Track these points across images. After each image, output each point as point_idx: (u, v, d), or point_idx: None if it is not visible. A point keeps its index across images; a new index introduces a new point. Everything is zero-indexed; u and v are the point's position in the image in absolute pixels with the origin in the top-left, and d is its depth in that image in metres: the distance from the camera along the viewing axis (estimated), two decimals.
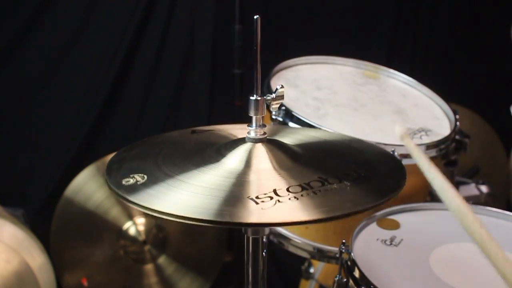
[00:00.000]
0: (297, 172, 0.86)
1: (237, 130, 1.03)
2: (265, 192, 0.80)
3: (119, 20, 2.08)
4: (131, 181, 0.83)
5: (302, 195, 0.80)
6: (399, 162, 0.98)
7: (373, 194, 0.82)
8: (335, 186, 0.83)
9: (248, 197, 0.79)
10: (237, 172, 0.85)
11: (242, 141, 0.92)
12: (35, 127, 2.15)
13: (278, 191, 0.81)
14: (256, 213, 0.76)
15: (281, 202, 0.78)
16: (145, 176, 0.84)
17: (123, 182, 0.83)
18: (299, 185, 0.82)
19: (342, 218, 0.76)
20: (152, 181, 0.83)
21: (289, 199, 0.79)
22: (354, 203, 0.79)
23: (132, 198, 0.79)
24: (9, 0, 2.03)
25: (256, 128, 0.92)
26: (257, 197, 0.79)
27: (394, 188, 0.84)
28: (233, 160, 0.88)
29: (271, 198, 0.79)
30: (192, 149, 0.95)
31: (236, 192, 0.80)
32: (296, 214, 0.76)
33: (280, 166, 0.87)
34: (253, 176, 0.84)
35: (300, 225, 0.77)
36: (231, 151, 0.90)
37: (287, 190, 0.81)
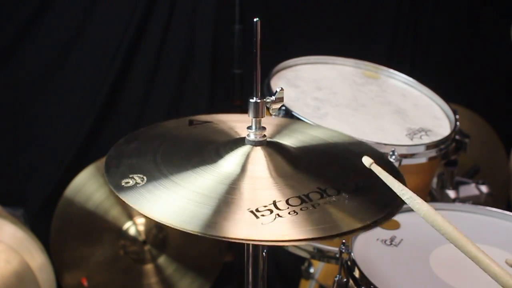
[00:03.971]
0: (296, 181, 0.85)
1: (237, 123, 1.01)
2: (265, 204, 0.79)
3: (119, 20, 2.08)
4: (131, 182, 0.82)
5: (301, 209, 0.78)
6: (397, 171, 0.96)
7: (370, 209, 0.81)
8: (334, 199, 0.81)
9: (248, 209, 0.78)
10: (235, 178, 0.84)
11: (241, 142, 0.91)
12: (35, 126, 2.15)
13: (277, 204, 0.79)
14: (256, 229, 0.74)
15: (281, 216, 0.77)
16: (145, 178, 0.83)
17: (123, 183, 0.82)
18: (298, 197, 0.81)
19: (341, 236, 0.75)
20: (151, 183, 0.82)
21: (289, 213, 0.77)
22: (353, 219, 0.78)
23: (129, 201, 0.79)
24: (9, 1, 2.03)
25: (255, 131, 0.90)
26: (257, 210, 0.78)
27: (392, 201, 0.82)
28: (232, 164, 0.86)
29: (271, 211, 0.78)
30: (191, 146, 0.94)
31: (236, 203, 0.79)
32: (296, 231, 0.75)
33: (279, 173, 0.86)
34: (251, 185, 0.83)
35: (299, 242, 0.76)
36: (229, 153, 0.89)
37: (287, 202, 0.80)
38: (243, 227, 0.75)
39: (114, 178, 0.84)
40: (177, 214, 0.76)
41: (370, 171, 0.92)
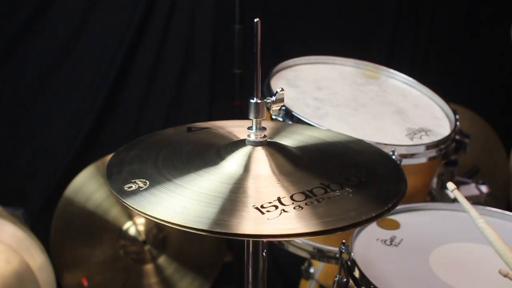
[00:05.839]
0: (299, 178, 0.86)
1: (235, 128, 1.02)
2: (270, 201, 0.79)
3: (119, 20, 2.08)
4: (133, 187, 0.83)
5: (306, 204, 0.79)
6: (398, 165, 0.97)
7: (374, 201, 0.82)
8: (338, 193, 0.82)
9: (253, 206, 0.78)
10: (239, 178, 0.84)
11: (242, 144, 0.91)
12: (35, 127, 2.15)
13: (282, 200, 0.80)
14: (262, 224, 0.75)
15: (287, 211, 0.78)
16: (147, 182, 0.84)
17: (125, 188, 0.83)
18: (303, 193, 0.82)
19: (346, 230, 0.76)
20: (154, 186, 0.83)
21: (294, 208, 0.78)
22: (358, 212, 0.78)
23: (133, 204, 0.79)
24: (9, 1, 2.03)
25: (256, 131, 0.91)
26: (262, 206, 0.78)
27: (395, 194, 0.84)
28: (234, 165, 0.87)
29: (276, 207, 0.78)
30: (192, 150, 0.94)
31: (241, 200, 0.79)
32: (302, 225, 0.75)
33: (281, 171, 0.87)
34: (255, 183, 0.84)
35: (305, 236, 0.77)
36: (231, 154, 0.89)
37: (291, 198, 0.81)
38: (249, 223, 0.75)
39: (117, 184, 0.84)
40: (182, 214, 0.77)
41: (371, 166, 0.92)
